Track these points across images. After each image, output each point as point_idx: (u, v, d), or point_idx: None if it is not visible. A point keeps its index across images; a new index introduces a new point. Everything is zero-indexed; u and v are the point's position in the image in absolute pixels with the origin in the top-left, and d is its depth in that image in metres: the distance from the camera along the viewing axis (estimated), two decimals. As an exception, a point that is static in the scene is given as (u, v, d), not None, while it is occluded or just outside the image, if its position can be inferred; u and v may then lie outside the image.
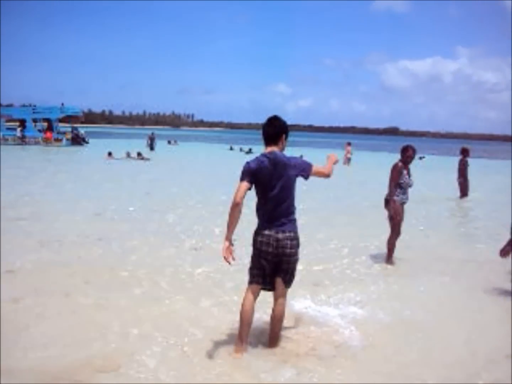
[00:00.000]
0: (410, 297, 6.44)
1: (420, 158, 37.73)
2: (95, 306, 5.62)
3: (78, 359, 4.30)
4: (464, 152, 16.76)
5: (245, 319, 4.44)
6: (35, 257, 7.60)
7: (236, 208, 4.30)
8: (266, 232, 4.43)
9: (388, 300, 6.22)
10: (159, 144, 43.97)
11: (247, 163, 4.46)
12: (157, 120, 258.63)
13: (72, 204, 12.79)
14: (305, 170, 4.52)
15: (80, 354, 4.39)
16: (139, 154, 31.18)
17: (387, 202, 7.96)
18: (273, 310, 4.59)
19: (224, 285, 6.57)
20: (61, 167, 24.28)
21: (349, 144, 34.05)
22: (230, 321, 5.05)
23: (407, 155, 7.99)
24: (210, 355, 4.44)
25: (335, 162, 4.92)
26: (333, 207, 14.13)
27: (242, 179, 4.38)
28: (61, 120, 46.93)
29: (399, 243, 8.15)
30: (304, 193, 12.91)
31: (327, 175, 4.74)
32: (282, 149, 4.56)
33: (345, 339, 4.90)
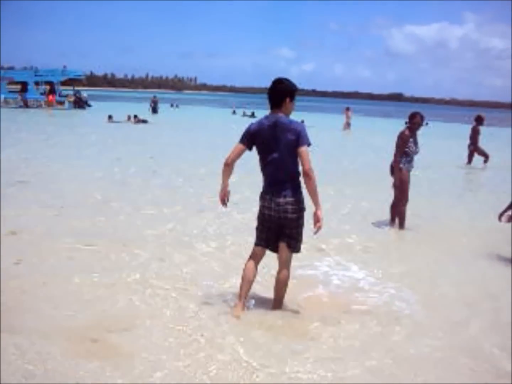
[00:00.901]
0: (417, 264, 6.56)
1: (426, 124, 37.53)
2: (101, 269, 5.69)
3: (87, 319, 4.39)
4: (479, 120, 16.66)
5: (246, 277, 4.56)
6: (39, 219, 7.69)
7: (226, 168, 4.53)
8: (268, 196, 4.47)
9: (396, 267, 6.32)
10: (162, 107, 43.80)
11: (250, 124, 4.57)
12: (160, 83, 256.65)
13: (76, 167, 12.81)
14: (297, 144, 4.34)
15: (89, 314, 4.49)
16: (135, 116, 31.08)
17: (393, 169, 7.95)
18: (278, 274, 4.65)
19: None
20: (64, 130, 24.23)
21: (348, 109, 33.82)
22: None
23: (415, 121, 7.91)
24: (213, 313, 4.57)
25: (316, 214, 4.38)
26: (338, 173, 14.11)
27: (240, 141, 4.52)
28: (63, 83, 46.67)
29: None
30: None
31: (304, 171, 4.32)
32: (288, 113, 4.48)
33: (351, 304, 4.99)
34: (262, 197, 4.54)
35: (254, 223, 4.71)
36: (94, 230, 7.27)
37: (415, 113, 8.04)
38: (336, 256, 6.58)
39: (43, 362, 3.64)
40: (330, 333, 4.34)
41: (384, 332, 4.45)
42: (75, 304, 4.70)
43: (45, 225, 7.39)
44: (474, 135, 16.51)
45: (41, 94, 44.42)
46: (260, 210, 4.58)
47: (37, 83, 45.19)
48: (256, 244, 4.65)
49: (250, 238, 4.89)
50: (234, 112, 48.82)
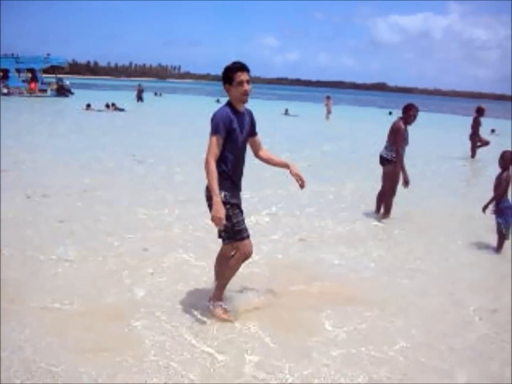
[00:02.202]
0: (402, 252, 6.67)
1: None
2: (80, 258, 5.71)
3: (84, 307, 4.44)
4: (479, 111, 16.59)
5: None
6: (21, 207, 7.70)
7: (213, 168, 4.03)
8: (239, 191, 4.34)
9: (380, 255, 6.41)
10: (146, 96, 43.47)
11: (225, 112, 4.13)
12: (144, 71, 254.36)
13: (55, 156, 12.71)
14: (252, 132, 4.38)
15: (85, 304, 4.53)
16: (113, 104, 30.96)
17: (384, 160, 7.92)
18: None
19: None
20: (47, 118, 23.98)
21: (328, 97, 33.98)
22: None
23: (410, 113, 7.83)
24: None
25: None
26: (323, 159, 14.18)
27: (218, 132, 4.05)
28: (45, 71, 46.15)
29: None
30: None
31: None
32: (231, 100, 4.17)
33: (337, 292, 5.04)
34: (237, 192, 4.31)
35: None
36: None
37: (410, 104, 7.92)
38: (319, 245, 6.66)
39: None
40: (322, 323, 4.38)
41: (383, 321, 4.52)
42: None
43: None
44: (476, 126, 16.47)
45: (23, 81, 43.85)
46: (236, 204, 4.23)
47: (18, 70, 44.61)
48: (248, 236, 4.28)
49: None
50: (218, 101, 48.72)
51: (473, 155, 16.58)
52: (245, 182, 4.39)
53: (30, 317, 4.18)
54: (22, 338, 3.83)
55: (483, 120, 16.70)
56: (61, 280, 5.04)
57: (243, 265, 4.39)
